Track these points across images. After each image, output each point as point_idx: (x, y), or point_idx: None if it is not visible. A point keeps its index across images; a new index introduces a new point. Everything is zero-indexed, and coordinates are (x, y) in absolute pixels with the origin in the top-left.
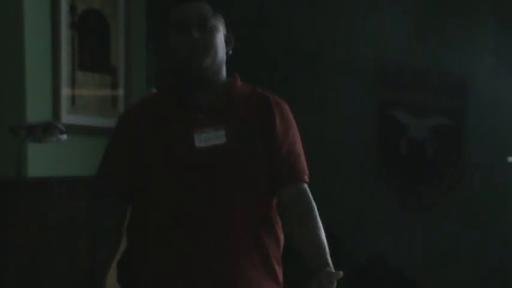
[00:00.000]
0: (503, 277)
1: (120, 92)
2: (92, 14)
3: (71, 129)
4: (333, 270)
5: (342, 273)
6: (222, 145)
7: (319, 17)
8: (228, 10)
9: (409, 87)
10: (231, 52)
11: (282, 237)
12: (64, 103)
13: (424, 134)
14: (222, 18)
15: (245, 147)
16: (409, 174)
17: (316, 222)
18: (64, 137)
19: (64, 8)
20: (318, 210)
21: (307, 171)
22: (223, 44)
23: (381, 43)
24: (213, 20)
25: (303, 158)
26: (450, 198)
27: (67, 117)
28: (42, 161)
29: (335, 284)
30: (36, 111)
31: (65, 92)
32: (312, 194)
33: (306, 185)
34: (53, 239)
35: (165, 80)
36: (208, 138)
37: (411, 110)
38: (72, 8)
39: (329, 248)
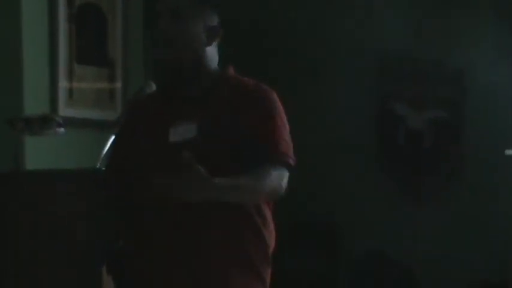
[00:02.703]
0: (502, 269)
1: (118, 84)
2: (89, 7)
3: (68, 122)
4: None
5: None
6: (193, 139)
7: (319, 10)
8: (227, 6)
9: (408, 80)
10: (215, 43)
11: (268, 235)
12: (62, 96)
13: (423, 126)
14: (210, 9)
15: (216, 139)
16: (408, 166)
17: (253, 180)
18: (62, 130)
19: (61, 1)
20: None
21: (290, 154)
22: (201, 34)
23: (380, 36)
24: (188, 10)
25: (281, 142)
26: (449, 190)
27: (65, 110)
28: (39, 154)
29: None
30: (33, 104)
31: (63, 84)
32: (312, 186)
33: (282, 169)
34: (51, 232)
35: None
36: (182, 132)
37: (410, 102)
38: (69, 1)
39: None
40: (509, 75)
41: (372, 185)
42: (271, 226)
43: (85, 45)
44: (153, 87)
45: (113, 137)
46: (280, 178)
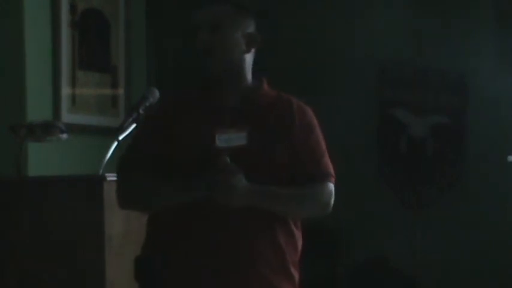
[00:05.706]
0: (503, 276)
1: (121, 91)
2: (92, 13)
3: (71, 128)
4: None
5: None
6: (243, 146)
7: (319, 16)
8: None
9: (409, 86)
10: (252, 51)
11: (300, 241)
12: (64, 102)
13: (424, 132)
14: (249, 17)
15: (265, 150)
16: (409, 172)
17: (305, 193)
18: (64, 136)
19: (64, 7)
20: None
21: (332, 172)
22: (240, 42)
23: (381, 42)
24: (226, 20)
25: (326, 160)
26: (450, 197)
27: (67, 117)
28: (42, 160)
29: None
30: (36, 110)
31: (65, 91)
32: None
33: (331, 185)
34: (53, 239)
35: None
36: (230, 139)
37: (411, 108)
38: (72, 7)
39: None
40: (511, 82)
41: (372, 192)
42: (300, 232)
43: (88, 52)
44: (156, 93)
45: (119, 140)
46: (330, 195)
